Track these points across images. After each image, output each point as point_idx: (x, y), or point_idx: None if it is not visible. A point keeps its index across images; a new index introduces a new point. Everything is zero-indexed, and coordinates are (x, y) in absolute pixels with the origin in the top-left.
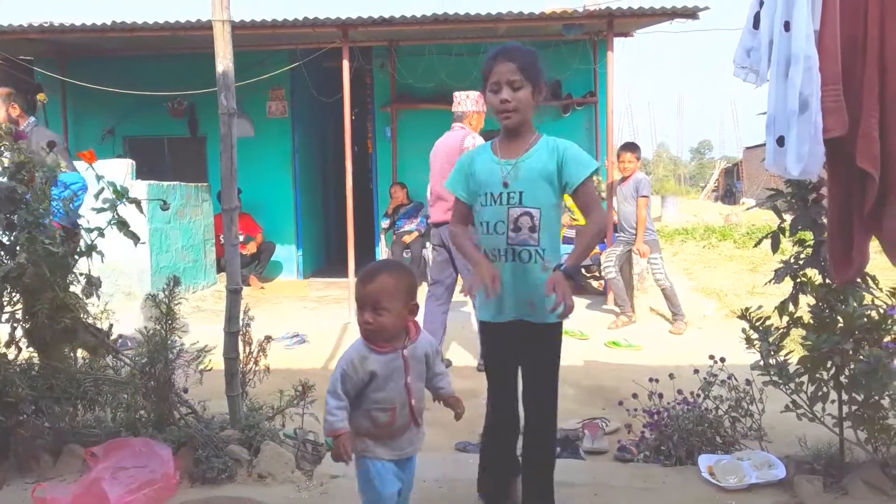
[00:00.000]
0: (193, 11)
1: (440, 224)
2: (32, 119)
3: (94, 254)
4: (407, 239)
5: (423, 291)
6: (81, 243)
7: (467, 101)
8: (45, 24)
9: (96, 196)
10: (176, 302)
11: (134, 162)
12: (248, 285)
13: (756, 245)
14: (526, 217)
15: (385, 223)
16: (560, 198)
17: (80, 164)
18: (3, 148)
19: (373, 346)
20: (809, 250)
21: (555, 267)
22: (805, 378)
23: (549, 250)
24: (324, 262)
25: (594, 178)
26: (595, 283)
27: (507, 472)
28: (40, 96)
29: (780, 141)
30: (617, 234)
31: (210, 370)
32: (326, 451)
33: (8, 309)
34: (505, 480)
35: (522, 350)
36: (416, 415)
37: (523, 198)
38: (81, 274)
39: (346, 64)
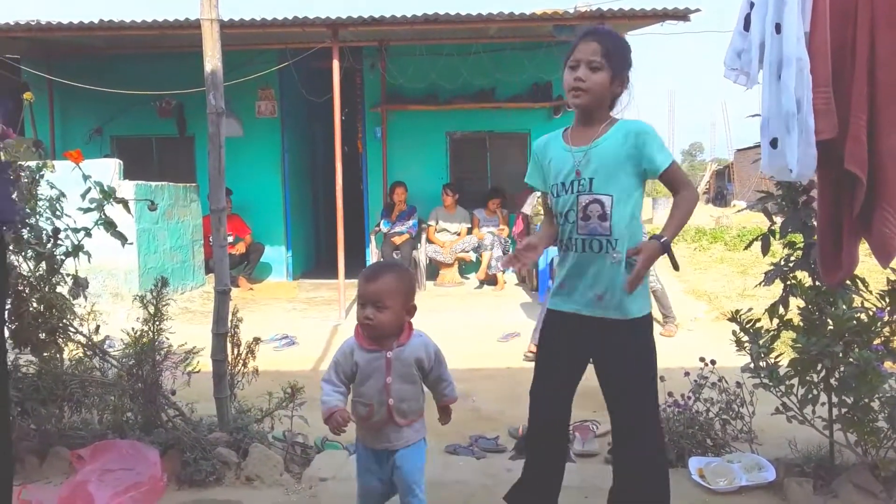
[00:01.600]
0: (182, 10)
1: None
2: None
3: (80, 254)
4: (397, 240)
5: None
6: (68, 243)
7: None
8: (32, 22)
9: (83, 196)
10: (164, 303)
11: (121, 162)
12: (237, 286)
13: (747, 247)
14: (596, 205)
15: (386, 227)
16: (640, 185)
17: (67, 164)
18: None
19: (360, 342)
20: (799, 253)
21: (652, 237)
22: (795, 380)
23: (621, 241)
24: (313, 263)
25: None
26: None
27: (544, 490)
28: (27, 95)
29: (774, 143)
30: None
31: (198, 372)
32: (315, 453)
33: None
34: (540, 499)
35: (595, 352)
36: (396, 414)
37: (594, 185)
38: (68, 274)
39: (335, 64)
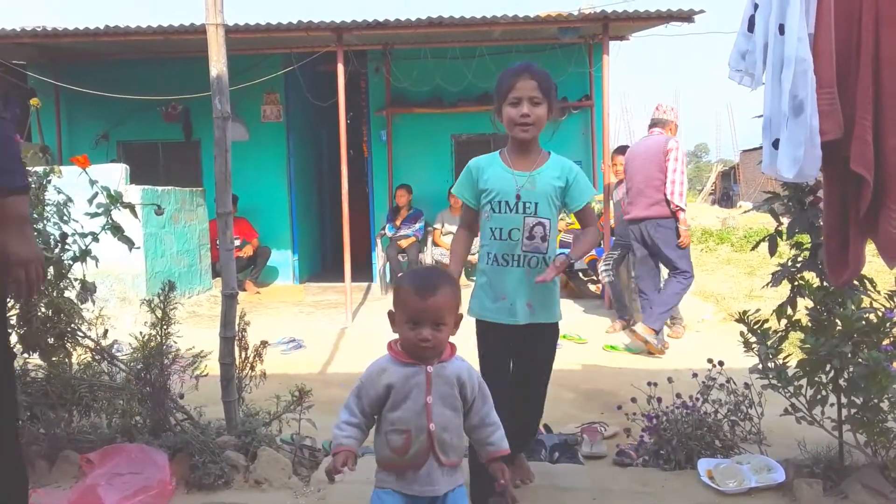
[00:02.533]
0: (187, 15)
1: (642, 220)
2: None
3: (88, 259)
4: (404, 243)
5: None
6: (76, 248)
7: (671, 112)
8: (38, 29)
9: (90, 201)
10: (171, 307)
11: (128, 167)
12: (244, 290)
13: (753, 248)
14: (539, 227)
15: (390, 232)
16: (558, 212)
17: (74, 169)
18: None
19: (395, 356)
20: (807, 253)
21: (558, 254)
22: (804, 381)
23: (551, 258)
24: (320, 266)
25: (592, 199)
26: (592, 287)
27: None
28: (34, 101)
29: (776, 144)
30: (614, 238)
31: (206, 376)
32: (324, 456)
33: None
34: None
35: (519, 351)
36: (437, 445)
37: (538, 209)
38: (76, 279)
39: (340, 67)
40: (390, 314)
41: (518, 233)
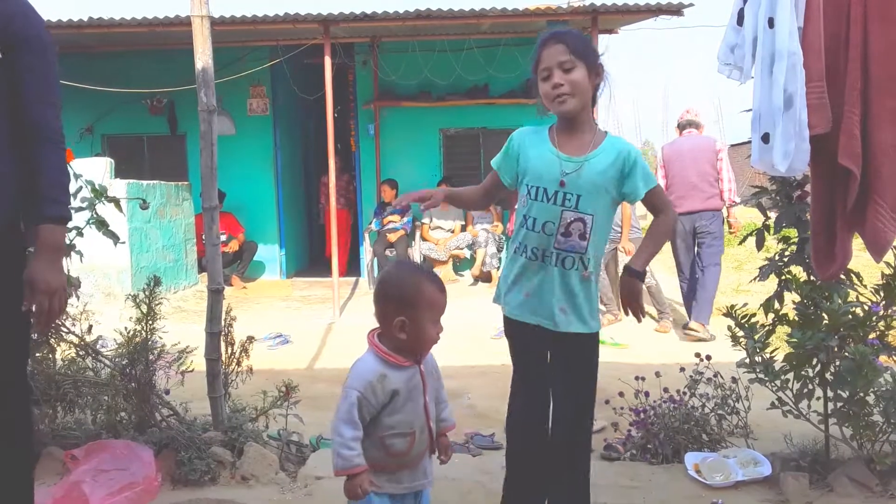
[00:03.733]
0: (172, 7)
1: (699, 212)
2: None
3: (73, 253)
4: (392, 237)
5: None
6: None
7: (700, 114)
8: None
9: (75, 195)
10: (156, 302)
11: (113, 160)
12: (231, 285)
13: (741, 242)
14: (579, 223)
15: (376, 227)
16: (615, 205)
17: None
18: None
19: (393, 360)
20: (794, 247)
21: (624, 268)
22: (791, 375)
23: (592, 259)
24: (307, 261)
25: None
26: None
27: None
28: None
29: (766, 138)
30: None
31: (192, 371)
32: (311, 452)
33: None
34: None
35: (553, 362)
36: (434, 440)
37: (580, 202)
38: None
39: (327, 60)
40: (400, 323)
41: (552, 226)
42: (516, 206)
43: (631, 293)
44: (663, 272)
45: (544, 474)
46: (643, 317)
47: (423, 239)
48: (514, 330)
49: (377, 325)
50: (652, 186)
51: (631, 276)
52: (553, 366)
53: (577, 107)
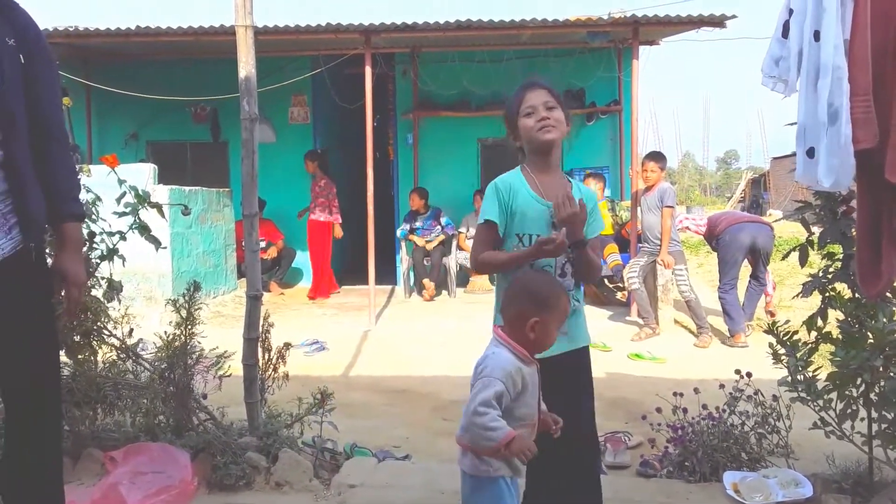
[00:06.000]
0: (217, 17)
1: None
2: None
3: (115, 258)
4: (429, 246)
5: (444, 300)
6: (103, 247)
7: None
8: (70, 29)
9: (118, 200)
10: (196, 307)
11: (156, 166)
12: (269, 291)
13: (784, 258)
14: (569, 264)
15: (402, 236)
16: None
17: (103, 169)
18: None
19: (524, 356)
20: (838, 264)
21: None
22: (834, 395)
23: (577, 289)
24: (344, 268)
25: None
26: (619, 295)
27: None
28: (65, 100)
29: (811, 152)
30: (641, 245)
31: (229, 376)
32: (345, 459)
33: None
34: None
35: (557, 382)
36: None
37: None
38: (103, 278)
39: (368, 70)
40: (534, 323)
41: (550, 269)
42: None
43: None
44: (703, 286)
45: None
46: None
47: (460, 248)
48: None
49: (517, 335)
50: (599, 231)
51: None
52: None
53: (558, 138)
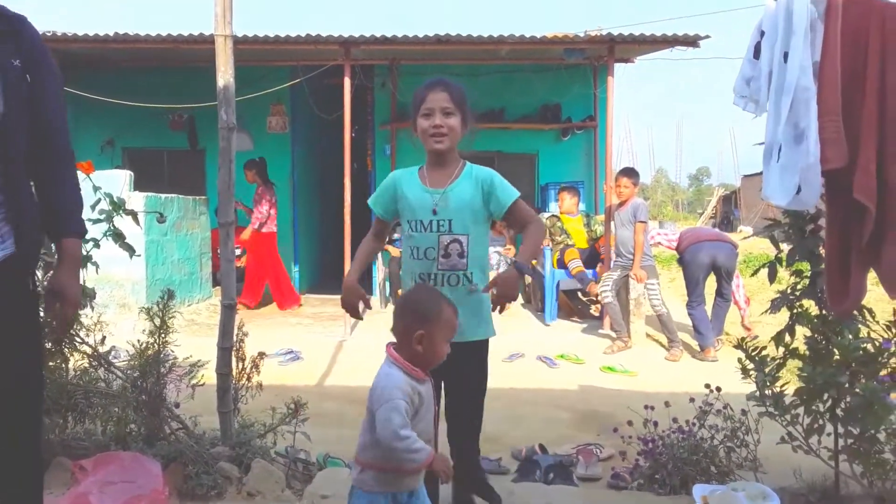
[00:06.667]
0: (196, 25)
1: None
2: None
3: (89, 265)
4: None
5: None
6: None
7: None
8: (48, 34)
9: (93, 207)
10: (170, 315)
11: (132, 173)
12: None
13: (753, 274)
14: (455, 244)
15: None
16: (487, 222)
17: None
18: None
19: (416, 374)
20: (806, 281)
21: (512, 262)
22: (801, 410)
23: (476, 273)
24: (320, 278)
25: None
26: (592, 308)
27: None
28: None
29: (777, 170)
30: (614, 259)
31: (202, 385)
32: (317, 470)
33: None
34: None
35: (447, 372)
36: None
37: (452, 225)
38: None
39: (347, 81)
40: (419, 336)
41: (434, 251)
42: (402, 241)
43: (506, 280)
44: (674, 301)
45: None
46: (504, 309)
47: None
48: None
49: (416, 350)
50: (515, 197)
51: (513, 267)
52: (448, 379)
53: (449, 147)
